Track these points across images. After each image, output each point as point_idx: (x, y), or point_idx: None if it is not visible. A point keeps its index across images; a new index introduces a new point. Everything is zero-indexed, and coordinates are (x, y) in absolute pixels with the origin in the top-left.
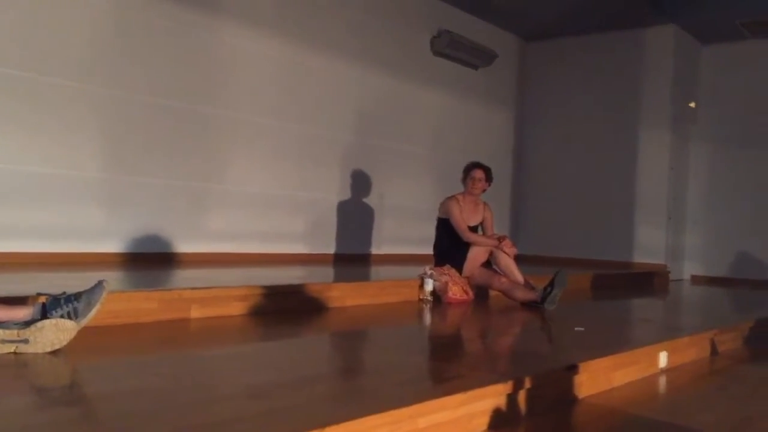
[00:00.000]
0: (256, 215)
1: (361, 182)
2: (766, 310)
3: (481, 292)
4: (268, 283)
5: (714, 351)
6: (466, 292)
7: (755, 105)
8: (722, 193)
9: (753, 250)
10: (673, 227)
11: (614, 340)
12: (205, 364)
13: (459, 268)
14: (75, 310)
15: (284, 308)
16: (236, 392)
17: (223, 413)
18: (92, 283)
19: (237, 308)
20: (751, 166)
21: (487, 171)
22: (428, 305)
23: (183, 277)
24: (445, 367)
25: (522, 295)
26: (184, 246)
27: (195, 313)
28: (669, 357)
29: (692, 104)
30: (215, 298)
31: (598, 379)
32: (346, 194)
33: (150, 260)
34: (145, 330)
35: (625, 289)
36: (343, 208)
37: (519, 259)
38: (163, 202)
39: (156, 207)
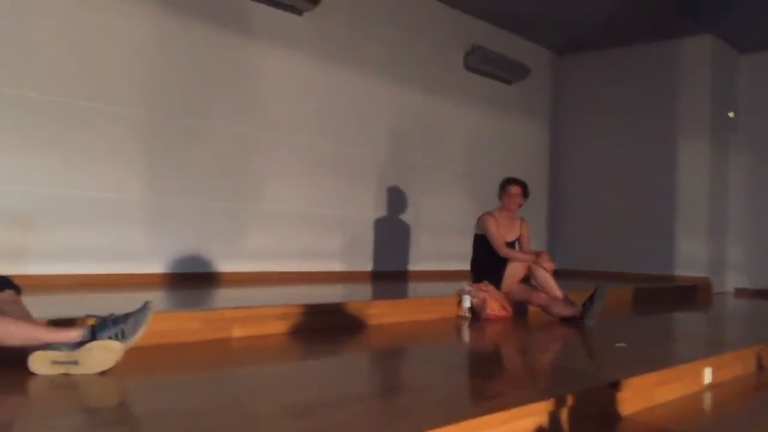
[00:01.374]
0: (293, 234)
1: (396, 199)
2: None
3: (519, 308)
4: (307, 301)
5: (760, 366)
6: (504, 309)
7: None
8: (764, 203)
9: None
10: (715, 239)
11: (657, 356)
12: (247, 383)
13: (497, 284)
14: (122, 331)
15: (323, 326)
16: (278, 411)
17: None
18: (138, 305)
19: (277, 327)
20: None
21: (524, 186)
22: (467, 322)
23: (224, 296)
24: (485, 384)
25: (561, 310)
26: (224, 265)
27: (237, 332)
28: (714, 373)
29: (731, 114)
30: (256, 317)
31: (641, 396)
32: (382, 211)
33: (192, 280)
34: (189, 349)
35: (666, 303)
36: (379, 225)
37: (557, 274)
38: (203, 223)
39: (196, 227)
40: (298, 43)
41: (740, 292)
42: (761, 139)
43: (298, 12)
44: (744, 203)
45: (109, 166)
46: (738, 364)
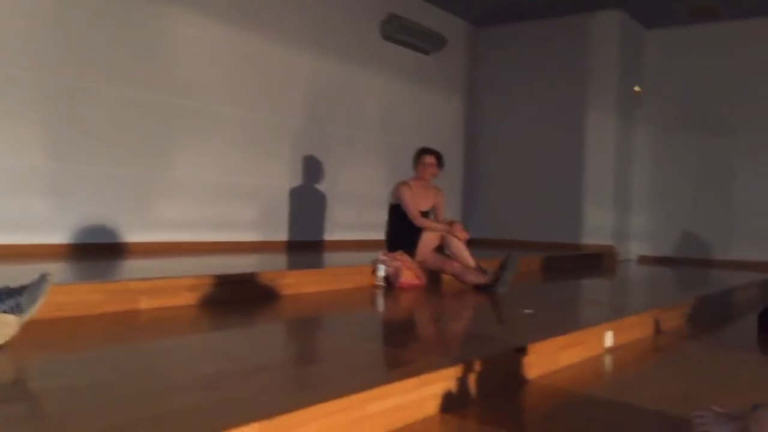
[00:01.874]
0: (206, 203)
1: (312, 168)
2: (707, 288)
3: (433, 277)
4: (219, 272)
5: (658, 329)
6: (418, 277)
7: (697, 89)
8: (667, 174)
9: (696, 230)
10: (620, 209)
11: (562, 321)
12: (154, 356)
13: (411, 253)
14: (18, 304)
15: (236, 297)
16: (187, 383)
17: (173, 405)
18: (36, 277)
19: (187, 298)
20: (693, 148)
21: (438, 156)
22: (381, 291)
23: (131, 267)
24: (398, 352)
25: (474, 278)
26: (132, 236)
27: (143, 304)
28: (615, 336)
29: (637, 88)
30: (164, 289)
31: (547, 359)
32: (298, 180)
33: (98, 251)
34: (92, 323)
35: (574, 271)
36: (295, 195)
37: (471, 244)
38: (110, 191)
39: (102, 196)
40: (210, 8)
41: (643, 259)
42: (664, 113)
43: None
44: (647, 174)
45: (6, 131)
46: (637, 328)
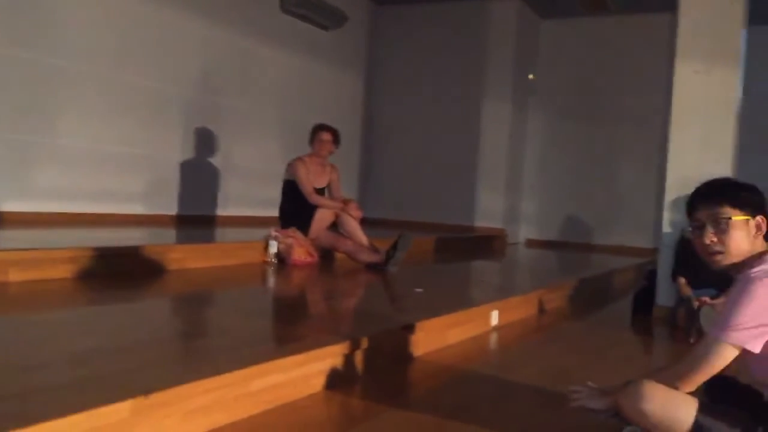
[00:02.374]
0: (88, 172)
1: (205, 141)
2: (588, 271)
3: (326, 255)
4: (100, 244)
5: (542, 309)
6: (310, 255)
7: (585, 79)
8: (555, 161)
9: (580, 216)
10: (511, 193)
11: (451, 301)
12: (22, 331)
13: (304, 230)
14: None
15: (118, 271)
16: (54, 359)
17: (36, 381)
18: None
19: (63, 271)
20: (580, 137)
21: (335, 133)
22: (272, 268)
23: (3, 237)
24: (286, 329)
25: (366, 257)
26: (6, 204)
27: (14, 276)
28: (500, 315)
29: (531, 76)
30: (38, 260)
31: (434, 337)
32: (190, 153)
33: None
34: None
35: (465, 252)
36: (186, 168)
37: (366, 222)
38: None
39: None
40: None
41: (531, 243)
42: (555, 102)
43: None
44: (537, 161)
45: None
46: (522, 308)
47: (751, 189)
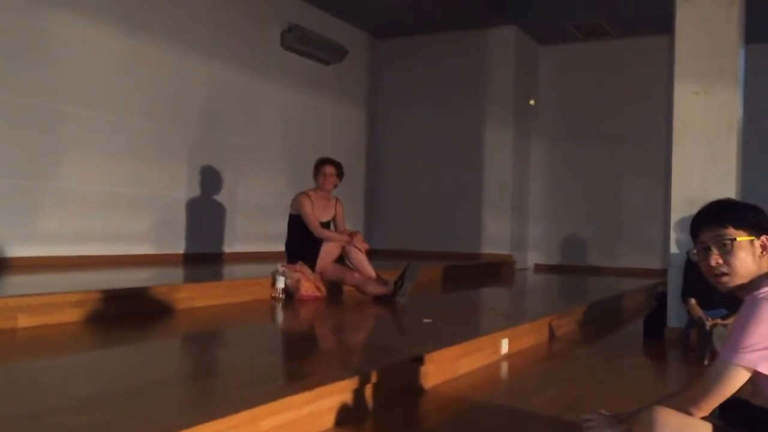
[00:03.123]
0: (96, 215)
1: (210, 179)
2: (597, 294)
3: (333, 288)
4: (109, 286)
5: (552, 335)
6: (318, 289)
7: (586, 103)
8: (559, 185)
9: (587, 239)
10: (517, 219)
11: (460, 330)
12: (29, 376)
13: (311, 264)
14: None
15: (126, 313)
16: (60, 405)
17: (42, 429)
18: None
19: (72, 315)
20: (583, 160)
21: (338, 166)
22: (280, 303)
23: (11, 283)
24: (295, 365)
25: (374, 289)
26: (13, 250)
27: (23, 322)
28: (510, 343)
29: (532, 102)
30: (46, 305)
31: (444, 368)
32: (195, 191)
33: None
34: None
35: (473, 280)
36: (192, 206)
37: (373, 254)
38: None
39: None
40: (101, 13)
41: (539, 268)
42: (557, 127)
43: None
44: (542, 186)
45: None
46: (532, 335)
47: (755, 209)
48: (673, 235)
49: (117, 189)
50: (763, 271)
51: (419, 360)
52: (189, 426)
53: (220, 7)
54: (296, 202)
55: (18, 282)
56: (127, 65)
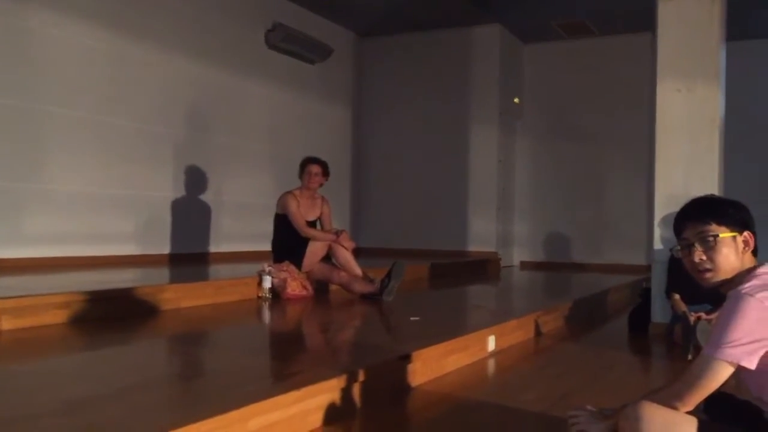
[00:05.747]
0: (80, 216)
1: (196, 178)
2: (583, 291)
3: (320, 287)
4: (93, 287)
5: (538, 332)
6: (305, 288)
7: (570, 101)
8: (544, 183)
9: (572, 235)
10: (503, 216)
11: (447, 328)
12: (12, 380)
13: (298, 263)
14: None
15: (111, 314)
16: (49, 408)
17: None
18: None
19: (57, 317)
20: (568, 158)
21: (324, 165)
22: (267, 303)
23: None
24: (282, 365)
25: (361, 288)
26: None
27: (6, 324)
28: (497, 340)
29: (516, 100)
30: (30, 307)
31: (431, 366)
32: (180, 191)
33: None
34: None
35: (460, 277)
36: (177, 206)
37: (359, 253)
38: None
39: None
40: (83, 13)
41: (524, 265)
42: (542, 125)
43: None
44: (527, 183)
45: None
46: (518, 331)
47: (737, 205)
48: (656, 232)
49: (102, 190)
50: (746, 266)
51: (407, 358)
52: (177, 426)
53: (204, 7)
54: (282, 201)
55: (1, 284)
56: (112, 66)
